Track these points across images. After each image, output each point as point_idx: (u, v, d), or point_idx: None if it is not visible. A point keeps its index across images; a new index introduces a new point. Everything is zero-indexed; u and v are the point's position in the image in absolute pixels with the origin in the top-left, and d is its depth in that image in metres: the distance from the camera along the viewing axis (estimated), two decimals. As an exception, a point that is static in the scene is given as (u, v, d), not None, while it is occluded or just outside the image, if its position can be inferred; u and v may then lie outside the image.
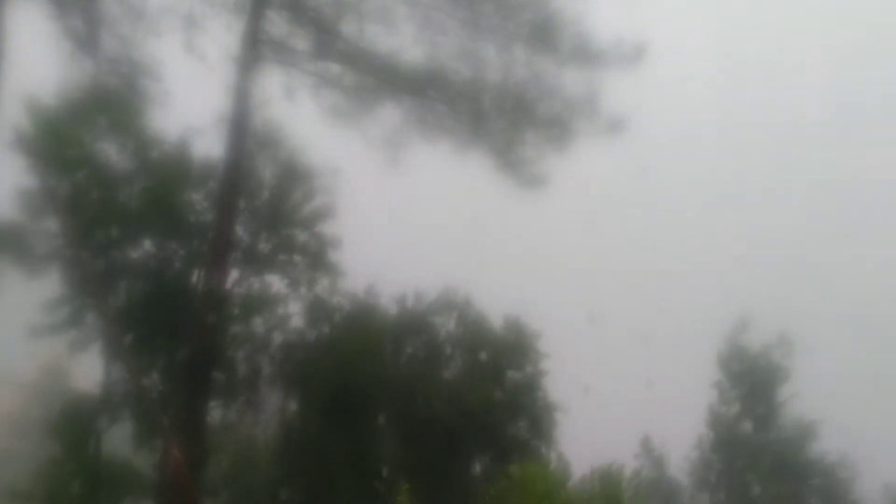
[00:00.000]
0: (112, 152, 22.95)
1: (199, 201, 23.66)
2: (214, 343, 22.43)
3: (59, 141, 22.02)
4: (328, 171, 24.12)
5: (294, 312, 23.99)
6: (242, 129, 22.19)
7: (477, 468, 22.04)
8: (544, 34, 21.58)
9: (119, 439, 22.28)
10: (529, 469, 18.85)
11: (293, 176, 24.03)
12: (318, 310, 23.72)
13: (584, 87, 21.86)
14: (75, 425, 21.73)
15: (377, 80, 22.29)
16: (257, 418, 23.29)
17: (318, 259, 23.95)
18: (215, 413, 23.01)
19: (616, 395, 30.31)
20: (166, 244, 23.19)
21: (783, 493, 25.07)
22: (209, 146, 23.26)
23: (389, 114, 22.63)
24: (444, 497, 20.98)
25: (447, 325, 23.83)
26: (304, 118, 23.57)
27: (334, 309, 23.77)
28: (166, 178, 23.13)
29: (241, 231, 23.53)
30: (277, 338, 23.90)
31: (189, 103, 23.43)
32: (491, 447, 22.54)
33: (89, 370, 22.73)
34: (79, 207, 21.92)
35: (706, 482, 26.41)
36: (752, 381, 27.11)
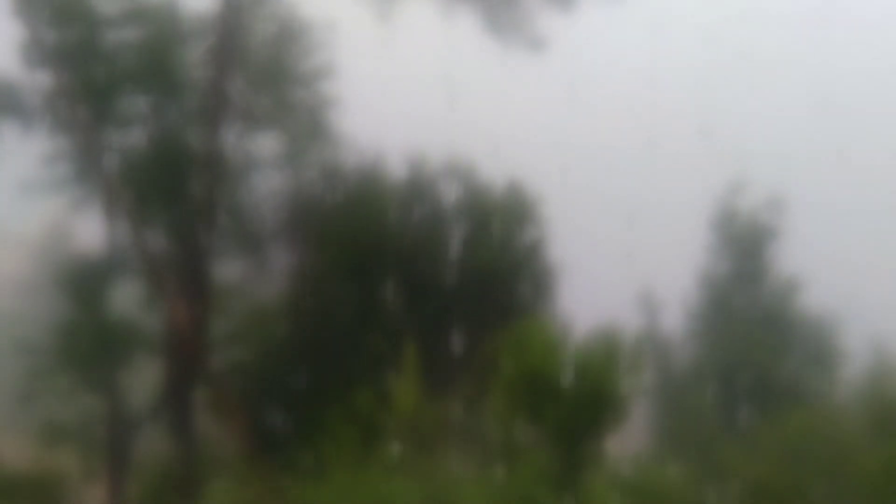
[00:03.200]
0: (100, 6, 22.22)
1: (193, 58, 23.08)
2: (215, 201, 22.54)
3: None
4: (325, 26, 23.45)
5: (297, 173, 23.87)
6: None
7: (481, 330, 22.49)
8: None
9: (125, 298, 22.56)
10: (528, 327, 19.09)
11: (290, 31, 23.37)
12: (320, 171, 23.62)
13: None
14: (80, 284, 21.92)
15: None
16: (265, 277, 23.56)
17: (317, 118, 23.62)
18: (223, 271, 23.20)
19: (614, 263, 30.75)
20: (162, 101, 22.78)
21: (769, 345, 25.91)
22: (202, 4, 22.56)
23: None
24: (448, 357, 21.61)
25: (451, 192, 23.77)
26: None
27: (337, 170, 23.66)
28: (157, 32, 22.51)
29: (237, 89, 23.12)
30: (282, 198, 23.89)
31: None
32: (495, 309, 22.96)
33: (92, 229, 22.76)
34: (72, 61, 21.39)
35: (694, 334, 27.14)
36: (741, 243, 27.52)
